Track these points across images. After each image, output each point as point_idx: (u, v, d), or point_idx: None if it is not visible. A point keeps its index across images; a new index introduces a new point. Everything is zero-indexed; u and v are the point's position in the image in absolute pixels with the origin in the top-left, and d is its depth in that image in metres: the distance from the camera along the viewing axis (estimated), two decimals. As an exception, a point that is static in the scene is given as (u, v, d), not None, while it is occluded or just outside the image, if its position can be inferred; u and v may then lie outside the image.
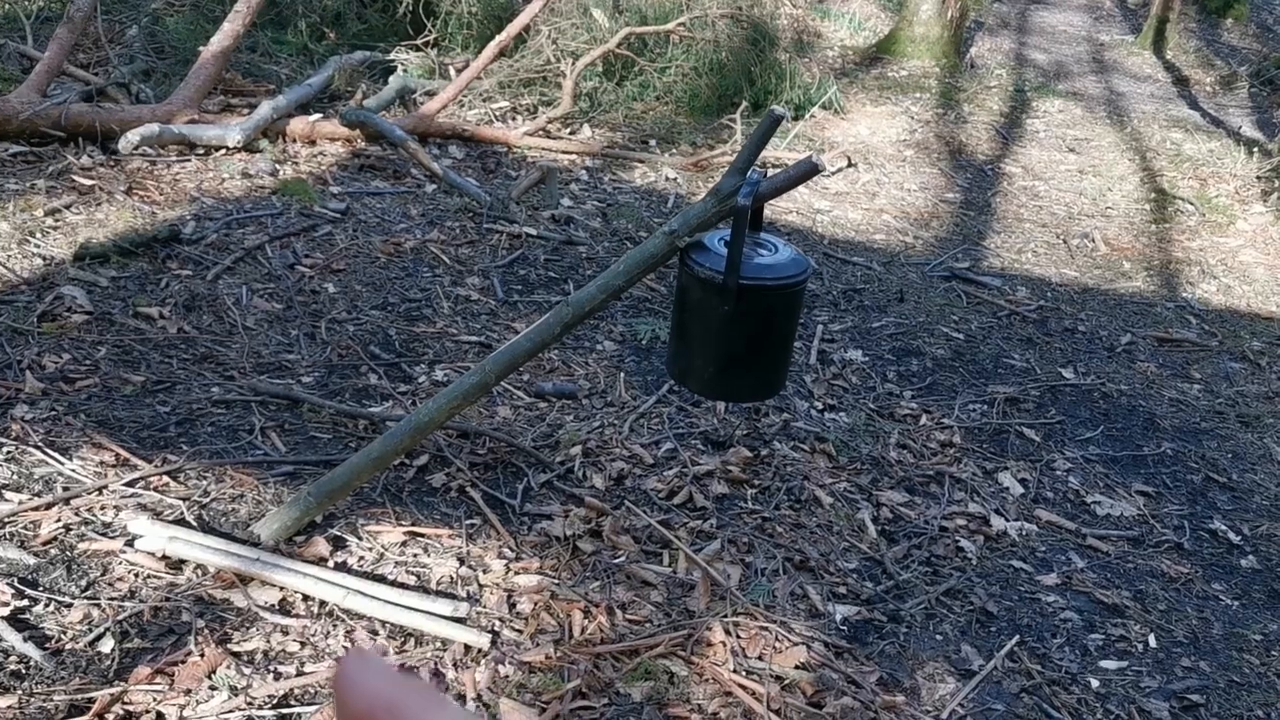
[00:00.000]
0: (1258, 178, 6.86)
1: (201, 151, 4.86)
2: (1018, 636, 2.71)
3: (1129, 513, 3.35)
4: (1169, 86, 9.67)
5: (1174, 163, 7.32)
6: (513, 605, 2.50)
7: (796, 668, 2.44)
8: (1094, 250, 5.71)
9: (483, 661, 2.31)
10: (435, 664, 2.28)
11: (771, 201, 5.46)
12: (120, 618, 2.27)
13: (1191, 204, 6.50)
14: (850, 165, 6.46)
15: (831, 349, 4.13)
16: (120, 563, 2.42)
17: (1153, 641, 2.78)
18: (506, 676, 2.28)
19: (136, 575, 2.40)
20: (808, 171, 2.28)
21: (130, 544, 2.47)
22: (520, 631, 2.42)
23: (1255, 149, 7.31)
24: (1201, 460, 3.73)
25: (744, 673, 2.40)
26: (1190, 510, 3.43)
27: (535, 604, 2.51)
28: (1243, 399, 4.22)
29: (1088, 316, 4.83)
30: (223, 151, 4.90)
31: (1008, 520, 3.21)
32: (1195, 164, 7.29)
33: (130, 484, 2.68)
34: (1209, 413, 4.08)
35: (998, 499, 3.32)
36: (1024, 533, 3.16)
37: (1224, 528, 3.35)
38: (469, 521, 2.79)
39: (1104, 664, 2.67)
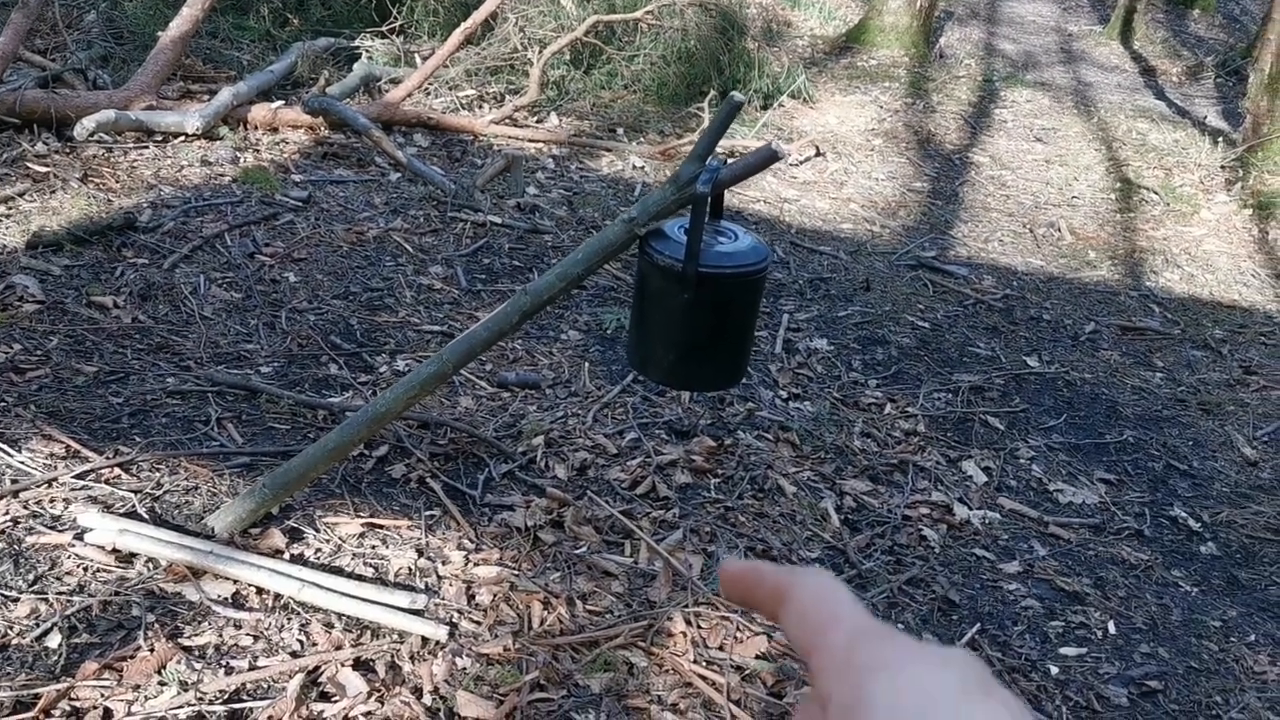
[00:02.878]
0: (1222, 167, 6.92)
1: (159, 138, 4.79)
2: (979, 624, 2.71)
3: (1091, 500, 3.37)
4: (1136, 77, 9.73)
5: (1140, 152, 7.36)
6: (472, 597, 2.48)
7: (757, 658, 2.43)
8: (1060, 239, 5.74)
9: (440, 654, 2.28)
10: (392, 656, 2.25)
11: (739, 190, 5.46)
12: (68, 612, 2.22)
13: (1156, 193, 6.55)
14: (818, 154, 6.45)
15: (797, 338, 4.12)
16: (69, 556, 2.38)
17: (1112, 628, 2.79)
18: (464, 669, 2.25)
19: (86, 569, 2.35)
20: (767, 158, 2.26)
21: (80, 537, 2.42)
22: (479, 623, 2.39)
23: (1220, 139, 7.37)
24: (1163, 448, 3.75)
25: (704, 663, 2.39)
26: (1151, 497, 3.45)
27: (494, 595, 2.49)
28: (1204, 387, 4.25)
29: (1053, 305, 4.85)
30: (181, 139, 4.82)
31: (971, 509, 3.21)
32: (1160, 154, 7.34)
33: (81, 476, 2.63)
34: (1171, 400, 4.10)
35: (961, 487, 3.32)
36: (987, 521, 3.17)
37: (1184, 515, 3.37)
38: (429, 513, 2.76)
39: (1064, 651, 2.67)
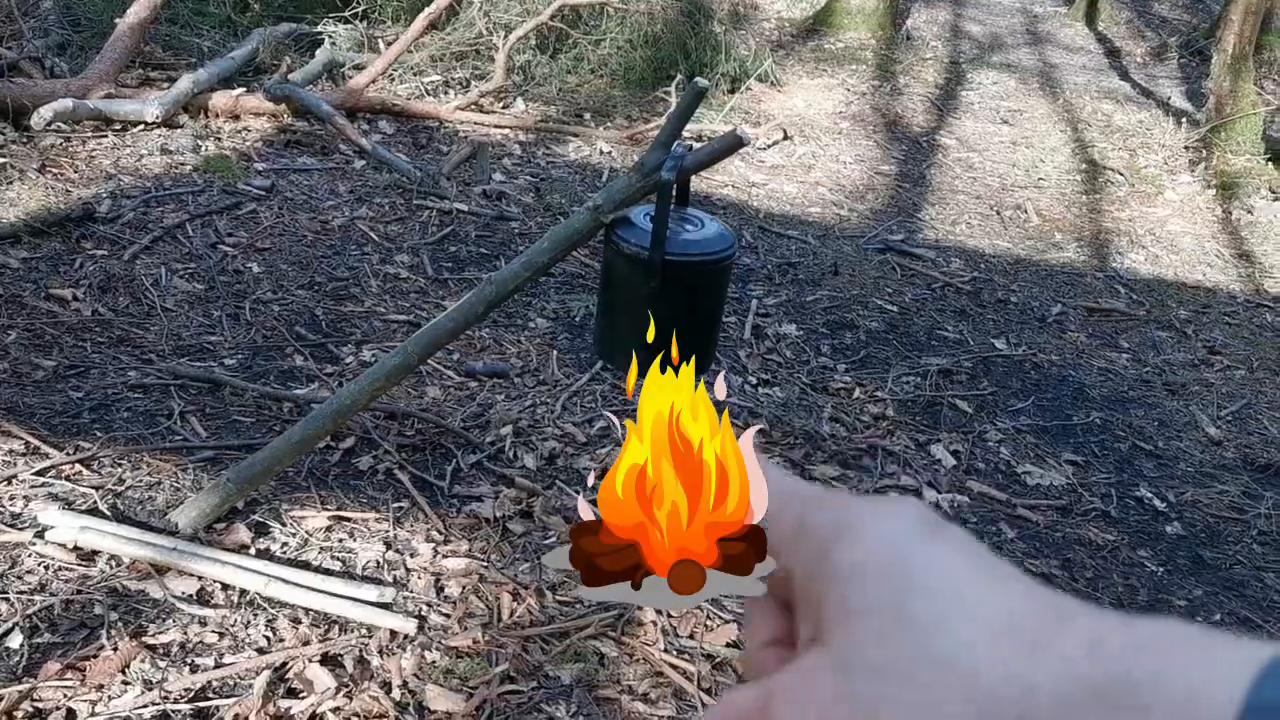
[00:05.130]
0: (1186, 148, 6.97)
1: (118, 127, 4.71)
2: (948, 608, 2.72)
3: (1058, 482, 3.39)
4: (1101, 58, 9.77)
5: (1105, 134, 7.41)
6: (440, 589, 2.46)
7: (728, 645, 2.43)
8: (1026, 221, 5.76)
9: (409, 647, 2.26)
10: (360, 651, 2.24)
11: (706, 175, 5.43)
12: (29, 612, 2.19)
13: (1121, 174, 6.59)
14: (786, 138, 6.44)
15: (765, 323, 4.12)
16: (30, 555, 2.34)
17: (1080, 609, 2.81)
18: (433, 662, 2.24)
19: (47, 568, 2.32)
20: (733, 144, 2.25)
21: (40, 535, 2.38)
22: (448, 616, 2.38)
23: (1184, 119, 7.42)
24: (1129, 429, 3.78)
25: (675, 652, 2.39)
26: (1117, 478, 3.48)
27: (464, 587, 2.47)
28: (1169, 367, 4.29)
29: (1020, 287, 4.87)
30: (141, 127, 4.75)
31: (940, 492, 3.22)
32: (1125, 135, 7.38)
33: (40, 473, 2.59)
34: (1136, 381, 4.13)
35: (930, 471, 3.33)
36: (956, 504, 3.18)
37: (1150, 495, 3.40)
38: (396, 504, 2.73)
39: (1032, 633, 2.69)
